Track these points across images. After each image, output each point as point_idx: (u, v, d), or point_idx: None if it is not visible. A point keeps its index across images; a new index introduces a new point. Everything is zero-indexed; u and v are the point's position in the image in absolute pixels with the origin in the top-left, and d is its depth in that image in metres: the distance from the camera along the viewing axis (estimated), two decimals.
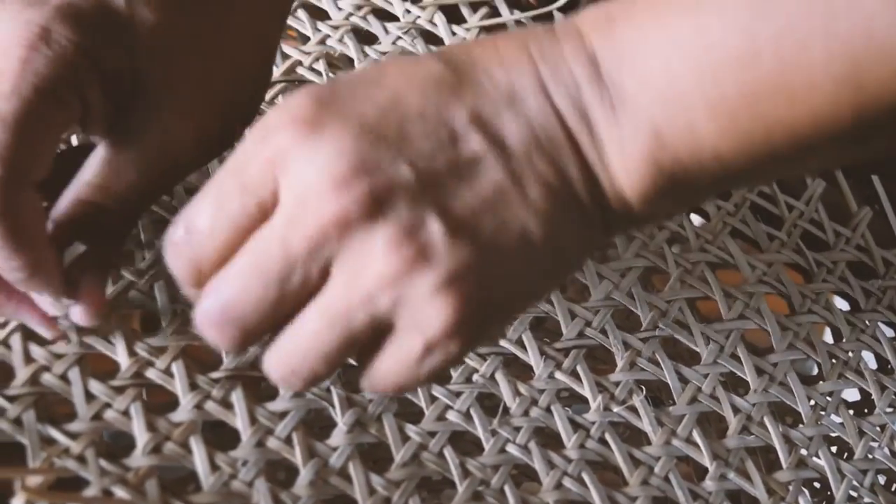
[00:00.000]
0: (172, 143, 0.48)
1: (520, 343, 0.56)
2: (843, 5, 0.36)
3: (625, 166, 0.39)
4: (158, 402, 0.51)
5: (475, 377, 0.54)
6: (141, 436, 0.48)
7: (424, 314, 0.38)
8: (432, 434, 0.52)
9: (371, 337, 0.39)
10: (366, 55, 0.64)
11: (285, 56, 0.64)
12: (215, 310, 0.40)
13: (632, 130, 0.39)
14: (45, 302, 0.49)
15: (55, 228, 0.47)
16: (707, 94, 0.38)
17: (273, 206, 0.39)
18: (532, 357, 0.56)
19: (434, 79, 0.39)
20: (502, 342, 0.56)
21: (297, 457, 0.49)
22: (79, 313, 0.49)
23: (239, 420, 0.50)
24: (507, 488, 0.51)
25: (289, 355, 0.40)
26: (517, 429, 0.53)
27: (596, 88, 0.39)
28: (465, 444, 0.54)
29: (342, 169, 0.37)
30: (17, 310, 0.49)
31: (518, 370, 0.56)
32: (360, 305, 0.38)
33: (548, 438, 0.55)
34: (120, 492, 0.46)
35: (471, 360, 0.55)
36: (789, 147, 0.38)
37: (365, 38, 0.66)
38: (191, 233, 0.40)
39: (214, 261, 0.40)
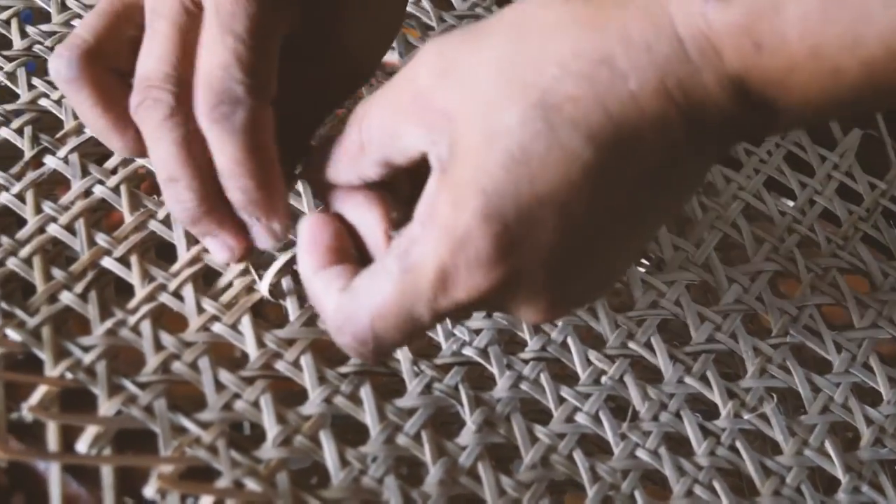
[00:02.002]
0: (350, 59, 0.49)
1: (648, 346, 0.55)
2: None
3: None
4: (280, 394, 0.50)
5: (603, 379, 0.53)
6: (271, 428, 0.47)
7: None
8: (560, 436, 0.51)
9: None
10: None
11: (409, 46, 0.63)
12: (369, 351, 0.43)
13: (780, 125, 0.40)
14: (261, 231, 0.47)
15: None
16: (862, 95, 0.38)
17: None
18: (661, 360, 0.55)
19: (586, 169, 0.38)
20: (631, 344, 0.54)
21: (427, 455, 0.49)
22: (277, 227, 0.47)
23: (368, 416, 0.49)
24: (637, 494, 0.50)
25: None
26: (646, 433, 0.52)
27: (742, 109, 0.39)
28: (588, 445, 0.53)
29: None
30: (214, 226, 0.47)
31: (641, 372, 0.55)
32: None
33: (673, 443, 0.53)
34: (251, 484, 0.45)
35: (599, 362, 0.54)
36: None
37: None
38: (381, 345, 0.43)
39: None
